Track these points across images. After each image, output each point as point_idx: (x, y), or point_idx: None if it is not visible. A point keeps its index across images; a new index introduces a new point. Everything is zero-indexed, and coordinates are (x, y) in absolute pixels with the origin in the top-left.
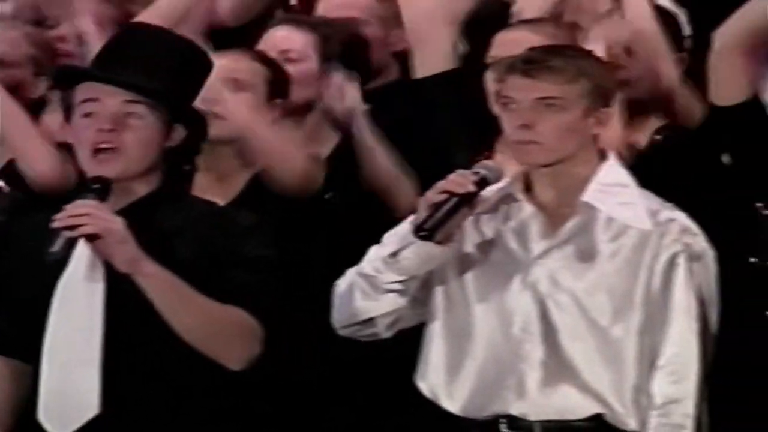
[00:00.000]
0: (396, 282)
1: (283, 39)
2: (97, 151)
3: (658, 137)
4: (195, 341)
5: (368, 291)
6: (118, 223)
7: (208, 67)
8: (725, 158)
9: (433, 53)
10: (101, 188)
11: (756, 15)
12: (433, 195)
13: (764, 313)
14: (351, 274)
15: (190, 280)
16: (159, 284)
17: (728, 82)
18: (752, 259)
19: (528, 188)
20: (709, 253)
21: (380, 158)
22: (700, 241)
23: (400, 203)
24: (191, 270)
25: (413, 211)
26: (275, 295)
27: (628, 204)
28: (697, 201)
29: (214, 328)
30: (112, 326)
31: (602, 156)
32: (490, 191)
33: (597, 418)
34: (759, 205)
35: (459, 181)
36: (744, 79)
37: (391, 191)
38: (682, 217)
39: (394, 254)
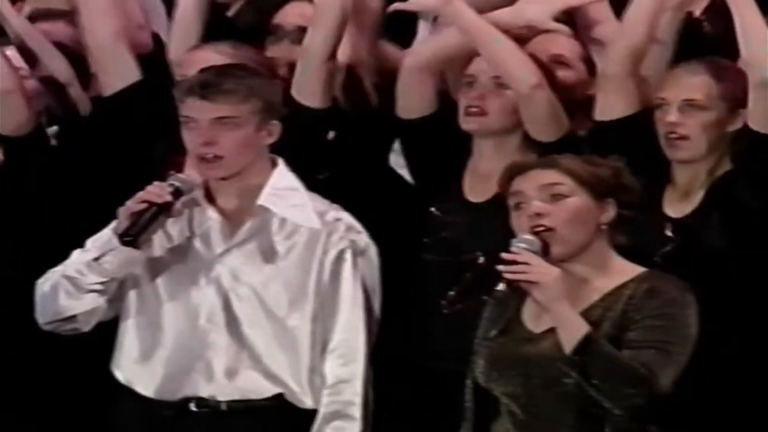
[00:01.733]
0: (98, 283)
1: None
2: None
3: None
4: None
5: (71, 291)
6: None
7: None
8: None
9: (115, 72)
10: None
11: (447, 44)
12: (134, 204)
13: (440, 303)
14: (54, 275)
15: None
16: None
17: (415, 98)
18: (428, 257)
19: (209, 194)
20: (372, 248)
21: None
22: (364, 238)
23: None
24: None
25: None
26: None
27: (299, 206)
28: (379, 205)
29: None
30: None
31: (273, 163)
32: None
33: (278, 398)
34: (432, 209)
35: (157, 191)
36: (427, 95)
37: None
38: (347, 217)
39: (96, 259)
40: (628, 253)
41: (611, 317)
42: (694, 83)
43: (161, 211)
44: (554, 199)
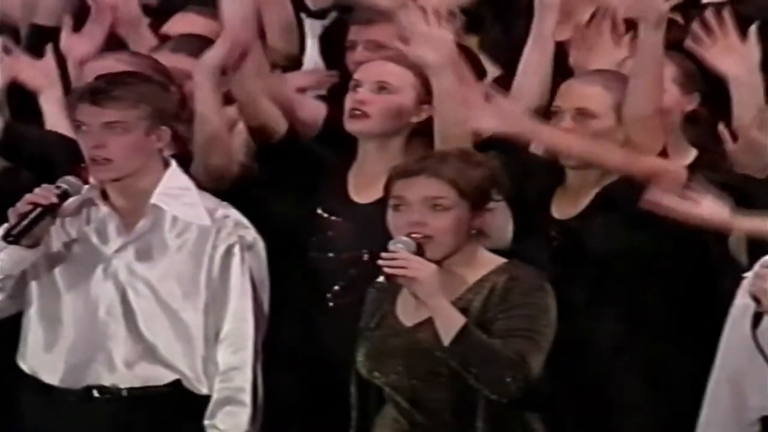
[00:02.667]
0: None
1: None
2: None
3: None
4: None
5: None
6: None
7: None
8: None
9: None
10: None
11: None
12: (21, 206)
13: (326, 296)
14: None
15: None
16: None
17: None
18: (315, 255)
19: (106, 194)
20: (260, 243)
21: None
22: (252, 233)
23: None
24: None
25: None
26: None
27: (190, 204)
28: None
29: None
30: None
31: (166, 163)
32: (74, 198)
33: (176, 384)
34: (319, 210)
35: (43, 194)
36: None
37: None
38: (235, 214)
39: None
40: (516, 251)
41: (476, 307)
42: (587, 93)
43: (46, 212)
44: (434, 209)
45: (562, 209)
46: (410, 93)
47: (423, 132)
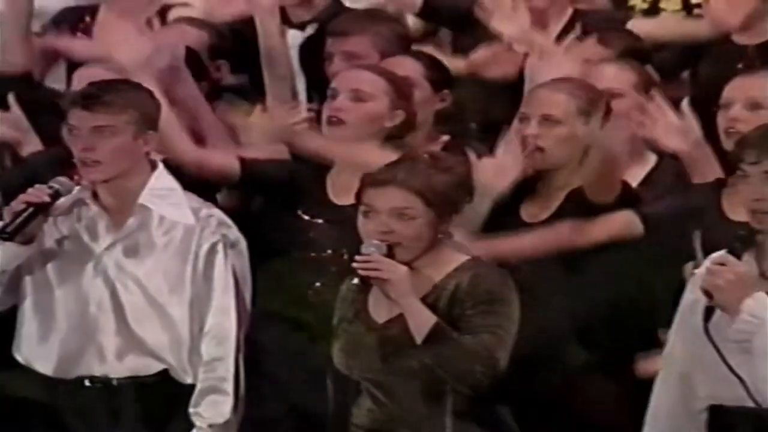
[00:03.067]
0: None
1: None
2: None
3: None
4: None
5: None
6: None
7: None
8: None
9: None
10: None
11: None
12: (15, 205)
13: (308, 292)
14: None
15: None
16: None
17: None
18: (294, 254)
19: (96, 194)
20: (242, 242)
21: None
22: (234, 232)
23: None
24: None
25: None
26: None
27: (176, 204)
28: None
29: None
30: None
31: (153, 165)
32: (66, 198)
33: (163, 373)
34: (299, 212)
35: (36, 193)
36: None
37: None
38: (218, 213)
39: None
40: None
41: (443, 304)
42: (553, 100)
43: (39, 210)
44: (402, 218)
45: (531, 213)
46: (384, 99)
47: (397, 135)
